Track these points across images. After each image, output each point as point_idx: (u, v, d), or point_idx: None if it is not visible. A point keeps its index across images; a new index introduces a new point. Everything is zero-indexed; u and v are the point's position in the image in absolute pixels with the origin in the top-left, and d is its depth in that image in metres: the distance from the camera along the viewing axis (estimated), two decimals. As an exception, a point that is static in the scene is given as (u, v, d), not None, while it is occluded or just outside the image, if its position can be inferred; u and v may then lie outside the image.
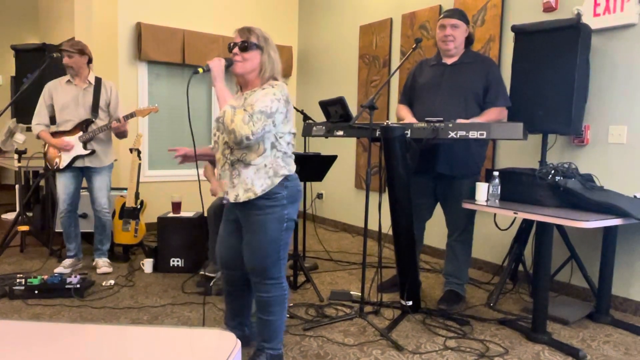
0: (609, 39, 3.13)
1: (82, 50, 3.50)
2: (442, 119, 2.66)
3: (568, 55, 2.95)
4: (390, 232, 2.86)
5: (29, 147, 4.41)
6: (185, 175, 5.23)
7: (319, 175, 3.48)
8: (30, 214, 4.63)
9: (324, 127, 3.02)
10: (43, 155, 3.68)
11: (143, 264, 3.74)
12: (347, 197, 5.40)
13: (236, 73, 2.15)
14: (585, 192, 2.60)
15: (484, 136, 2.57)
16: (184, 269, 3.71)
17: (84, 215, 4.08)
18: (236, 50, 2.11)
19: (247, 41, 2.10)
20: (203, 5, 5.32)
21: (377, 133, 2.71)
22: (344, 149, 5.35)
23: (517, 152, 3.67)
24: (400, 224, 2.81)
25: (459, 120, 2.68)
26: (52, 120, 3.61)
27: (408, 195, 2.79)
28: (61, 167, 3.51)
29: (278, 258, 2.14)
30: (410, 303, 2.94)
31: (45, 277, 3.15)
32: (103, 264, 3.68)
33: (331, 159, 3.41)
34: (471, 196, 2.83)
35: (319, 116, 3.20)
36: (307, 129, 3.13)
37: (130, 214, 3.88)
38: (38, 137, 3.55)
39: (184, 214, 3.86)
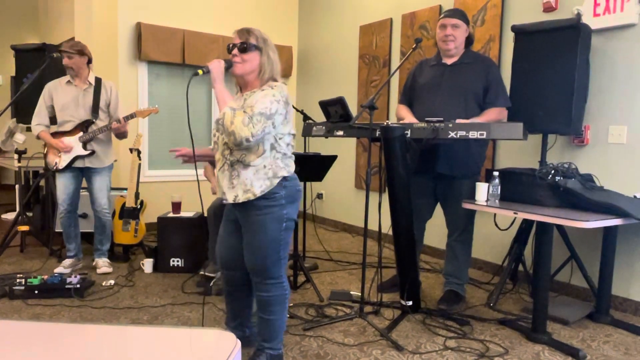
0: (609, 39, 3.13)
1: (82, 51, 3.50)
2: (442, 119, 2.66)
3: (568, 55, 2.95)
4: (390, 232, 2.86)
5: (29, 147, 4.41)
6: (185, 175, 5.23)
7: (319, 175, 3.48)
8: (30, 214, 4.63)
9: (324, 127, 3.02)
10: (43, 156, 3.68)
11: (143, 264, 3.74)
12: (347, 197, 5.40)
13: (235, 74, 2.15)
14: (585, 192, 2.60)
15: (484, 136, 2.57)
16: (184, 269, 3.71)
17: (84, 215, 4.08)
18: (235, 51, 2.11)
19: (246, 42, 2.10)
20: (203, 5, 5.32)
21: (377, 133, 2.71)
22: (344, 149, 5.35)
23: (517, 152, 3.67)
24: (400, 224, 2.81)
25: (459, 120, 2.68)
26: (53, 120, 3.61)
27: (408, 195, 2.79)
28: (60, 167, 3.51)
29: (278, 258, 2.14)
30: (410, 303, 2.94)
31: (45, 277, 3.15)
32: (103, 264, 3.69)
33: (331, 159, 3.40)
34: (471, 196, 2.84)
35: (319, 116, 3.20)
36: (307, 129, 3.13)
37: (130, 214, 3.88)
38: (38, 137, 3.56)
39: (184, 214, 3.86)
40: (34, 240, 4.39)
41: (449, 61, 3.06)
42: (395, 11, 4.72)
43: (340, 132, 2.92)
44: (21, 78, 4.07)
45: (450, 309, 3.01)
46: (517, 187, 2.79)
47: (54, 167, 3.54)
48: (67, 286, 3.09)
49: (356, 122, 2.83)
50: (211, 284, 3.23)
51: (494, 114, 2.92)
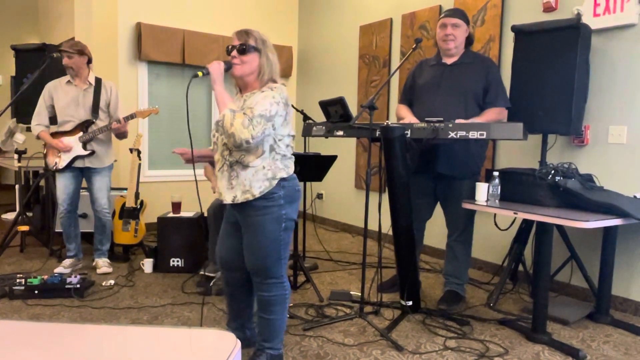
0: (609, 39, 3.13)
1: (82, 51, 3.50)
2: (442, 119, 2.66)
3: (568, 55, 2.95)
4: (390, 232, 2.87)
5: (29, 147, 4.41)
6: (185, 175, 5.23)
7: (318, 175, 3.48)
8: (30, 214, 4.63)
9: (324, 127, 3.02)
10: (43, 156, 3.68)
11: (143, 264, 3.74)
12: (347, 197, 5.40)
13: (235, 76, 2.15)
14: (585, 192, 2.60)
15: (484, 136, 2.57)
16: (184, 269, 3.71)
17: (84, 215, 4.08)
18: (234, 53, 2.11)
19: (245, 44, 2.09)
20: (203, 5, 5.32)
21: (377, 133, 2.71)
22: (344, 149, 5.35)
23: (517, 152, 3.67)
24: (400, 224, 2.81)
25: (459, 121, 2.68)
26: (53, 120, 3.61)
27: (408, 195, 2.79)
28: (60, 167, 3.51)
29: (278, 258, 2.14)
30: (410, 303, 2.94)
31: (45, 277, 3.15)
32: (103, 264, 3.69)
33: (331, 159, 3.40)
34: (471, 196, 2.84)
35: (319, 116, 3.20)
36: (307, 129, 3.13)
37: (130, 214, 3.89)
38: (38, 137, 3.56)
39: (184, 214, 3.86)
40: (34, 241, 4.39)
41: (449, 61, 3.06)
42: (395, 11, 4.72)
43: (340, 132, 2.92)
44: (21, 78, 4.07)
45: (450, 309, 3.01)
46: (517, 187, 2.79)
47: (54, 167, 3.54)
48: (67, 286, 3.09)
49: (356, 122, 2.83)
50: (211, 284, 3.23)
51: (494, 114, 2.92)
